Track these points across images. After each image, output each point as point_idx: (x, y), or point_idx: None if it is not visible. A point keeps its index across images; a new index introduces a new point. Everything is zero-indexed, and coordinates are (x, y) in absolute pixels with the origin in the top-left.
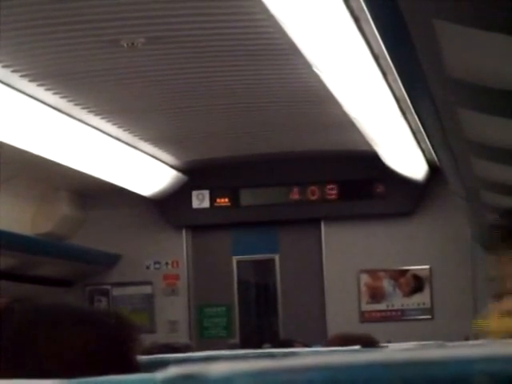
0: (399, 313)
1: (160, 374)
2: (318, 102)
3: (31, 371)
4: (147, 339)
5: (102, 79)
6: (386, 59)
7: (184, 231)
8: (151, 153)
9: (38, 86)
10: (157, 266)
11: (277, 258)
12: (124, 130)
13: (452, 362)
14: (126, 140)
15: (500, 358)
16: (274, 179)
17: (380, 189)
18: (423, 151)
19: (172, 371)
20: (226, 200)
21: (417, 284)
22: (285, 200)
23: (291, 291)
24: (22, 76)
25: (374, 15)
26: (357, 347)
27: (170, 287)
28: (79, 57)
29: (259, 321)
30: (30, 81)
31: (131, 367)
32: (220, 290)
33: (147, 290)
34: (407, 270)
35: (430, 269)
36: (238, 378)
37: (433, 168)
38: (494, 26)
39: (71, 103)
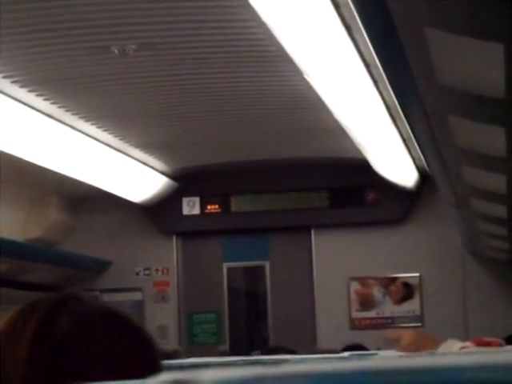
0: (389, 320)
1: (151, 381)
2: (308, 109)
3: (74, 371)
4: None
5: (92, 85)
6: (377, 67)
7: (174, 238)
8: (141, 159)
9: (29, 91)
10: (147, 272)
11: (267, 265)
12: (114, 136)
13: (440, 369)
14: (117, 146)
15: (488, 366)
16: (264, 186)
17: (370, 196)
18: (414, 159)
19: (163, 377)
20: (217, 207)
21: (407, 292)
22: (275, 207)
23: (281, 298)
24: (12, 82)
25: (366, 23)
26: (346, 354)
27: (160, 294)
28: (70, 63)
29: (249, 328)
30: (21, 87)
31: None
32: (210, 296)
33: (137, 296)
34: (397, 278)
35: (420, 276)
36: None
37: (423, 176)
38: (485, 33)
39: (62, 109)
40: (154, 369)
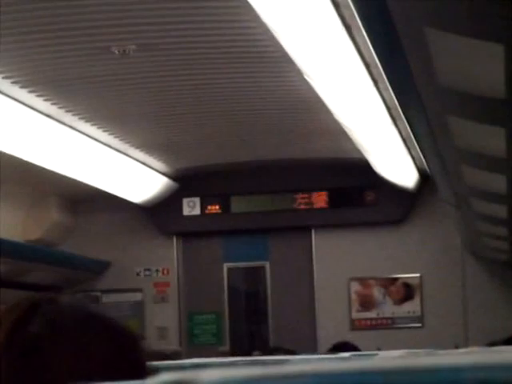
0: (389, 321)
1: (150, 381)
2: (308, 109)
3: (47, 373)
4: None
5: (93, 86)
6: (377, 67)
7: (175, 238)
8: (142, 160)
9: (29, 92)
10: (147, 273)
11: (267, 265)
12: (115, 137)
13: (441, 369)
14: (117, 147)
15: (489, 366)
16: (264, 187)
17: (370, 197)
18: (414, 159)
19: (162, 378)
20: (217, 207)
21: (407, 292)
22: (275, 207)
23: (281, 299)
24: (13, 82)
25: (366, 23)
26: (347, 354)
27: (160, 294)
28: (70, 63)
29: (249, 328)
30: (21, 87)
31: (143, 374)
32: (210, 297)
33: (137, 297)
34: (397, 278)
35: (421, 277)
36: None
37: (423, 176)
38: (485, 34)
39: (62, 110)
40: (135, 370)
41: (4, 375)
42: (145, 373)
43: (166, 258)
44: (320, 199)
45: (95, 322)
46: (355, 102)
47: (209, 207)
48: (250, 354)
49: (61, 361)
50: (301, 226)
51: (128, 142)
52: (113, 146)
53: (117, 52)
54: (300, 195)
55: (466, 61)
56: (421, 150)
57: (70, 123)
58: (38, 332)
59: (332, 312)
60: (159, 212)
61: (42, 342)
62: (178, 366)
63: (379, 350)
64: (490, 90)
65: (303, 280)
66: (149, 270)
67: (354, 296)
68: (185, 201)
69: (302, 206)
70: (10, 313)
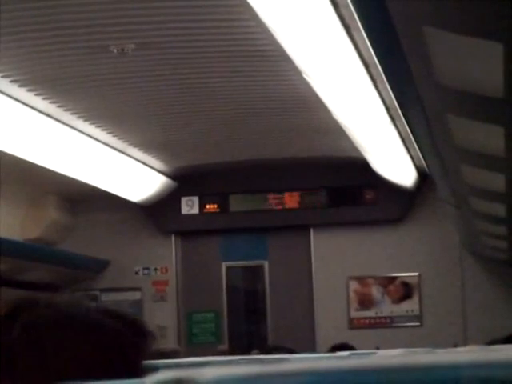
0: (388, 320)
1: (149, 379)
2: (308, 108)
3: (32, 377)
4: None
5: (91, 85)
6: (376, 67)
7: (173, 237)
8: (140, 159)
9: (28, 91)
10: (146, 271)
11: (266, 264)
12: (113, 136)
13: (439, 367)
14: (116, 146)
15: (487, 364)
16: (263, 185)
17: (369, 195)
18: (413, 158)
19: (161, 376)
20: (216, 206)
21: (406, 291)
22: (274, 206)
23: (280, 298)
24: (11, 81)
25: (365, 23)
26: (346, 353)
27: (159, 293)
28: (69, 62)
29: (248, 327)
30: (20, 86)
31: (136, 374)
32: (209, 296)
33: (136, 295)
34: (396, 277)
35: (419, 276)
36: (229, 382)
37: (422, 175)
38: (485, 33)
39: (61, 109)
40: (122, 369)
41: None
42: (136, 371)
43: (164, 256)
44: (318, 198)
45: (76, 325)
46: (354, 101)
47: (207, 206)
48: (248, 353)
49: (36, 365)
50: (299, 225)
51: (126, 141)
52: (111, 144)
53: (115, 51)
54: (299, 194)
55: (465, 60)
56: (420, 149)
57: (68, 122)
58: (15, 338)
59: (331, 311)
60: (158, 211)
61: (17, 347)
62: (176, 364)
63: (378, 348)
64: (489, 89)
65: (302, 279)
66: (147, 268)
67: (352, 295)
68: (183, 200)
69: (301, 205)
70: None
